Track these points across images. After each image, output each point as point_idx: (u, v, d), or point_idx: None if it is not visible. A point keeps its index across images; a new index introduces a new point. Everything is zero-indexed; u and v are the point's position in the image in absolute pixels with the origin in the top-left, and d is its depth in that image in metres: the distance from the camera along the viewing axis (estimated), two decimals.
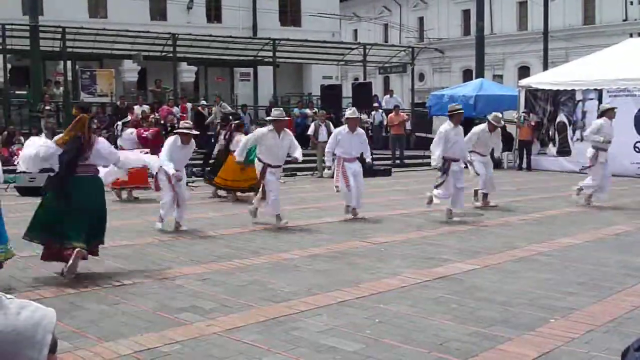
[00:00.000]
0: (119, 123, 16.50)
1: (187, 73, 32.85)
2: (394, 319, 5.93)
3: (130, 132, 15.61)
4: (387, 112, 27.61)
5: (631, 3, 39.60)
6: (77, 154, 7.44)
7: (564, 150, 22.19)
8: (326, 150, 12.54)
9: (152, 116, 22.97)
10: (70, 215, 7.28)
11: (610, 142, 13.53)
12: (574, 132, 21.87)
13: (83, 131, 7.55)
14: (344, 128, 12.38)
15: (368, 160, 13.58)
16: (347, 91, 31.01)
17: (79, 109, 9.50)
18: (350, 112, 12.66)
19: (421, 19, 52.40)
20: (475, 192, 13.77)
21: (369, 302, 6.47)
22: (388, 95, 31.91)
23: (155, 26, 29.52)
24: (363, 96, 25.52)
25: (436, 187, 12.01)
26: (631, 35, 32.18)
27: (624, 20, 39.85)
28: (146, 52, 26.90)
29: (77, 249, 7.21)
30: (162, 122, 23.23)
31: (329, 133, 20.62)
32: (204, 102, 27.84)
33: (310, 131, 21.37)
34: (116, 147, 13.57)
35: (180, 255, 8.78)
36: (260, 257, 8.66)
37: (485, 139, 13.57)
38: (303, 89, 36.27)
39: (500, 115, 14.04)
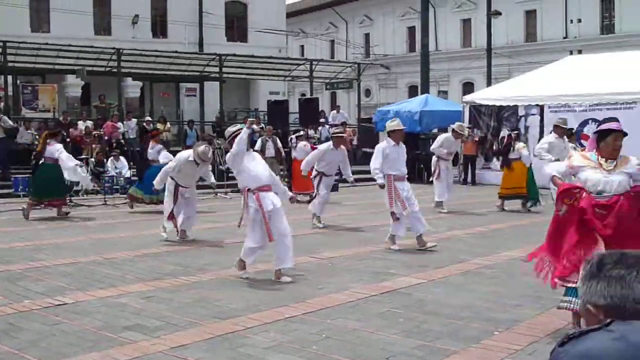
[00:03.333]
0: (293, 136, 18.95)
1: (132, 88, 32.50)
2: (342, 334, 5.92)
3: (304, 144, 17.69)
4: (333, 127, 27.72)
5: (571, 21, 40.59)
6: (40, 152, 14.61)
7: None
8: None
9: (95, 132, 22.72)
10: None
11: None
12: None
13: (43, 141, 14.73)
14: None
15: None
16: (294, 107, 31.06)
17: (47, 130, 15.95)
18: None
19: (367, 35, 52.81)
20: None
21: (316, 317, 6.46)
22: (335, 111, 32.06)
23: (100, 41, 29.17)
24: (310, 112, 25.61)
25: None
26: (571, 53, 32.94)
27: (564, 38, 40.78)
28: (90, 67, 26.55)
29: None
30: (106, 138, 22.97)
31: (276, 148, 20.69)
32: (148, 118, 27.58)
33: (257, 147, 21.27)
34: (291, 157, 19.23)
35: (125, 272, 8.63)
36: (207, 273, 8.57)
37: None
38: (250, 105, 36.21)
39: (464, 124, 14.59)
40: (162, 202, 14.66)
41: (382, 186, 10.42)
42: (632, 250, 2.20)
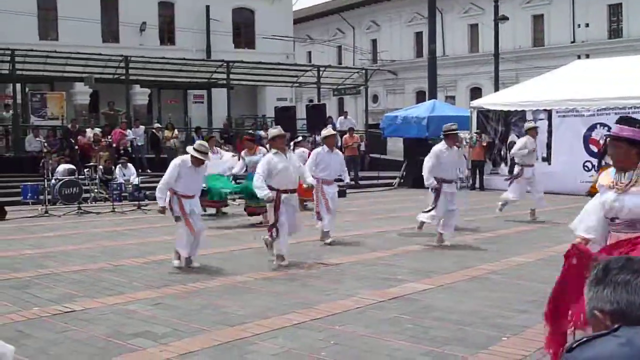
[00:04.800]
0: (291, 143, 18.54)
1: (140, 95, 32.62)
2: (349, 340, 5.92)
3: (302, 151, 17.75)
4: (342, 133, 27.77)
5: (579, 26, 40.56)
6: None
7: None
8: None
9: (104, 139, 22.79)
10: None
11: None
12: None
13: None
14: None
15: None
16: (301, 113, 31.12)
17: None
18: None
19: (374, 41, 52.86)
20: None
21: (324, 323, 6.46)
22: (342, 117, 32.08)
23: (108, 48, 29.28)
24: (317, 118, 25.62)
25: (427, 211, 11.52)
26: (579, 57, 32.90)
27: (572, 42, 40.73)
28: (98, 74, 26.65)
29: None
30: (114, 145, 23.04)
31: None
32: (157, 125, 27.68)
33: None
34: None
35: (133, 280, 8.66)
36: (214, 280, 8.58)
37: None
38: (257, 111, 36.29)
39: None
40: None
41: (311, 186, 10.80)
42: (638, 256, 2.20)
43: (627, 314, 2.01)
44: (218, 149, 16.49)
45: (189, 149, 9.78)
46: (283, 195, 9.54)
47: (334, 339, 5.95)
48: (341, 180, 13.10)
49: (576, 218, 5.04)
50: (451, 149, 11.40)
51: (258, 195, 9.64)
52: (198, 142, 10.29)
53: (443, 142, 11.52)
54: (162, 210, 9.52)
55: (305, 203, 17.71)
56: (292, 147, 18.51)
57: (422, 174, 11.57)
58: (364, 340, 5.90)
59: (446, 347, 5.69)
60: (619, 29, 39.84)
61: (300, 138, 19.76)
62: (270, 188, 9.46)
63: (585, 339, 2.00)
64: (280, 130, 9.99)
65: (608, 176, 4.83)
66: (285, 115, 26.18)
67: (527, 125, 16.08)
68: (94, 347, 5.76)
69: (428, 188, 11.54)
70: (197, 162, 9.43)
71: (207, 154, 9.59)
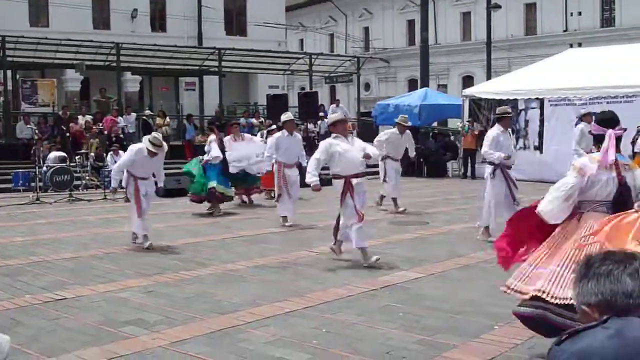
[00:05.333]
0: (264, 131, 18.86)
1: (132, 83, 32.45)
2: (341, 328, 5.93)
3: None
4: None
5: (571, 14, 40.55)
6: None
7: None
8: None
9: (95, 126, 22.70)
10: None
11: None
12: (517, 141, 22.21)
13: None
14: None
15: None
16: (293, 101, 31.03)
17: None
18: None
19: (366, 29, 52.73)
20: (381, 197, 14.17)
21: (316, 312, 6.47)
22: (334, 105, 32.02)
23: (99, 35, 29.13)
24: (309, 106, 25.59)
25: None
26: (571, 46, 32.89)
27: (564, 31, 40.73)
28: (89, 61, 26.51)
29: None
30: (105, 132, 22.95)
31: None
32: (149, 112, 27.59)
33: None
34: None
35: (125, 267, 8.65)
36: (206, 268, 8.58)
37: (396, 141, 13.92)
38: (249, 99, 36.17)
39: (406, 115, 14.53)
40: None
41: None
42: (617, 249, 2.22)
43: (613, 304, 2.01)
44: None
45: (145, 139, 10.36)
46: (354, 181, 8.68)
47: (325, 327, 5.97)
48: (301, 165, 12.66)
49: None
50: (506, 131, 10.51)
51: (306, 180, 8.81)
52: (154, 134, 10.64)
53: (497, 125, 10.50)
54: (115, 191, 10.94)
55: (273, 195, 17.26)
56: (265, 136, 17.95)
57: (484, 157, 10.66)
58: (355, 329, 5.92)
59: (438, 335, 5.71)
60: (611, 18, 39.87)
61: (274, 127, 18.42)
62: (338, 176, 8.73)
63: (574, 331, 2.00)
64: (341, 115, 9.57)
65: None
66: (277, 103, 26.11)
67: (582, 111, 15.33)
68: (86, 335, 5.76)
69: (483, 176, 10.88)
70: (152, 154, 10.04)
71: (160, 146, 10.08)
